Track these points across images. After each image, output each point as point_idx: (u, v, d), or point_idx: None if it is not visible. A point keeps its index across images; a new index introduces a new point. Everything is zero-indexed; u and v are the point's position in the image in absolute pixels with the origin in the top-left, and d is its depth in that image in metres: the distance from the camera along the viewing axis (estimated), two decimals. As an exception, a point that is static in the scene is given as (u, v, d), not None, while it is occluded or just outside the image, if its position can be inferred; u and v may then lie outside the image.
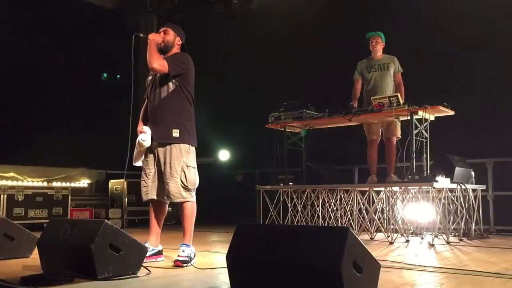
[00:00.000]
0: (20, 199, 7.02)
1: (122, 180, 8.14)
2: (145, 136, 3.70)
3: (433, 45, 7.13)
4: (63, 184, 7.67)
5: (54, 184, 7.56)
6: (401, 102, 5.33)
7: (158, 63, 3.61)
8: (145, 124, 3.83)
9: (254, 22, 8.97)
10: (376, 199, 5.63)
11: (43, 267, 3.19)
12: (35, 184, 7.37)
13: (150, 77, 3.87)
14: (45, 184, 7.47)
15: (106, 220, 2.99)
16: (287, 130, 6.40)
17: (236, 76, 9.14)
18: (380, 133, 6.01)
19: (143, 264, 3.15)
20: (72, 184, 7.89)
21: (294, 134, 6.56)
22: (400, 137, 5.84)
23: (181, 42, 3.87)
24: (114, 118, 7.80)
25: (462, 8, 6.88)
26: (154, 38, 3.69)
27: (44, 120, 8.23)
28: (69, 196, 7.61)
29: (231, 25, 9.27)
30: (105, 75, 9.62)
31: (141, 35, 3.80)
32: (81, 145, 8.28)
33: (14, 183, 7.15)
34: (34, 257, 3.59)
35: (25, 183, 7.27)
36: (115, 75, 9.54)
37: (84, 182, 8.26)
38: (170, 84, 3.71)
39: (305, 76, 8.29)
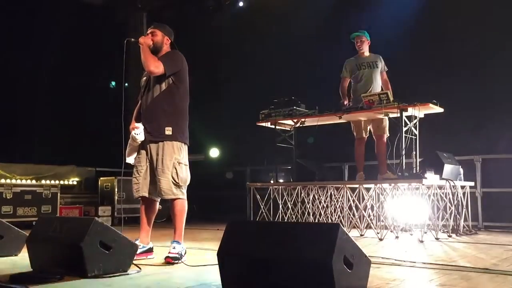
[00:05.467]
0: (8, 197, 6.95)
1: (112, 177, 8.10)
2: (138, 130, 3.72)
3: (423, 43, 7.17)
4: (52, 182, 7.61)
5: (43, 181, 7.50)
6: (391, 99, 5.36)
7: (154, 65, 3.64)
8: (137, 122, 3.82)
9: (245, 19, 8.96)
10: (366, 196, 5.65)
11: (33, 265, 3.17)
12: (24, 181, 7.31)
13: (145, 78, 3.87)
14: (34, 181, 7.41)
15: (96, 218, 2.98)
16: (277, 127, 6.40)
17: (227, 73, 9.12)
18: (368, 131, 6.05)
19: (134, 262, 3.14)
20: (62, 182, 7.83)
21: (284, 131, 6.56)
22: (389, 134, 5.88)
23: (170, 40, 3.86)
24: (104, 116, 7.78)
25: (449, 6, 6.93)
26: (145, 41, 3.71)
27: (34, 118, 8.16)
28: (58, 194, 7.55)
29: (221, 21, 9.23)
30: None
31: (132, 39, 3.78)
32: (71, 142, 8.23)
33: (3, 180, 7.07)
34: (23, 255, 3.56)
35: (13, 181, 7.20)
36: (107, 74, 9.42)
37: (73, 180, 8.20)
38: (164, 82, 3.71)
39: (297, 74, 8.29)
